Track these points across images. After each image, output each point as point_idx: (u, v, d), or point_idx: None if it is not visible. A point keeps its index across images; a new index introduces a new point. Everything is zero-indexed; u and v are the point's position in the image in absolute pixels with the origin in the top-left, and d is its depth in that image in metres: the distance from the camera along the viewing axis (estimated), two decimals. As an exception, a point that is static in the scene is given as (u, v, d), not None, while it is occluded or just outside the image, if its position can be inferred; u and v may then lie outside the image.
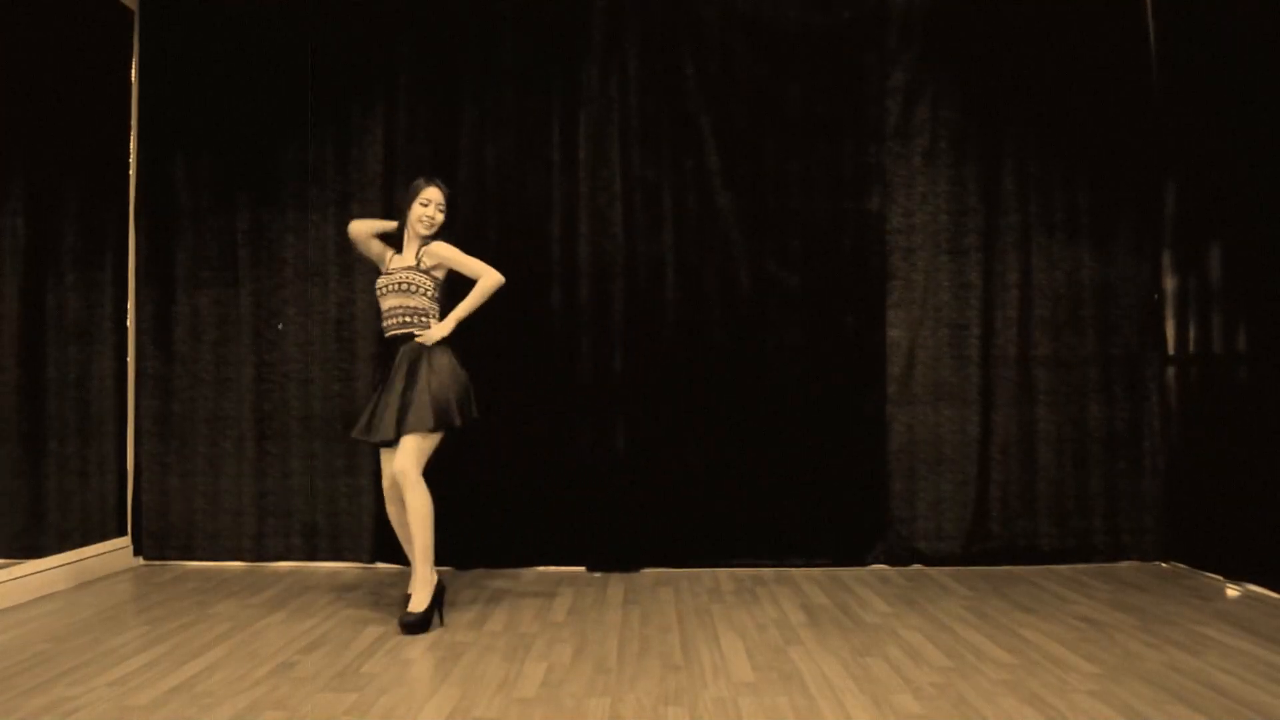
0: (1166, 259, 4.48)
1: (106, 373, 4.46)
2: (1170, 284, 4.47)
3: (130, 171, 4.60)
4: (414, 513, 3.41)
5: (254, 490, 4.53)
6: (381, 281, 3.62)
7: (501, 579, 4.22)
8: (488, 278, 3.60)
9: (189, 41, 4.58)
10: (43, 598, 3.86)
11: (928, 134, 4.50)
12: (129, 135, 4.59)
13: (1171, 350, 4.46)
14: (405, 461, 3.39)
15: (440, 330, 3.55)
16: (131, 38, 4.59)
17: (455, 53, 4.54)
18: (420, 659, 3.01)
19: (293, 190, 4.55)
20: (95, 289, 4.43)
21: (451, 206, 3.68)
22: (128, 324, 4.57)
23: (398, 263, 3.63)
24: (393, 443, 3.45)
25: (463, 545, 4.42)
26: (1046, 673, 2.83)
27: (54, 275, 4.20)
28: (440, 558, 4.40)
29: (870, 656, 3.01)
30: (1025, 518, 4.44)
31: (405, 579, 4.18)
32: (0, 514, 4.02)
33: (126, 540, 4.52)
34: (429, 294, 3.59)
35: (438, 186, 3.62)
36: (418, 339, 3.54)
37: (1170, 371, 4.47)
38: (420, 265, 3.59)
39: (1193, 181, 4.34)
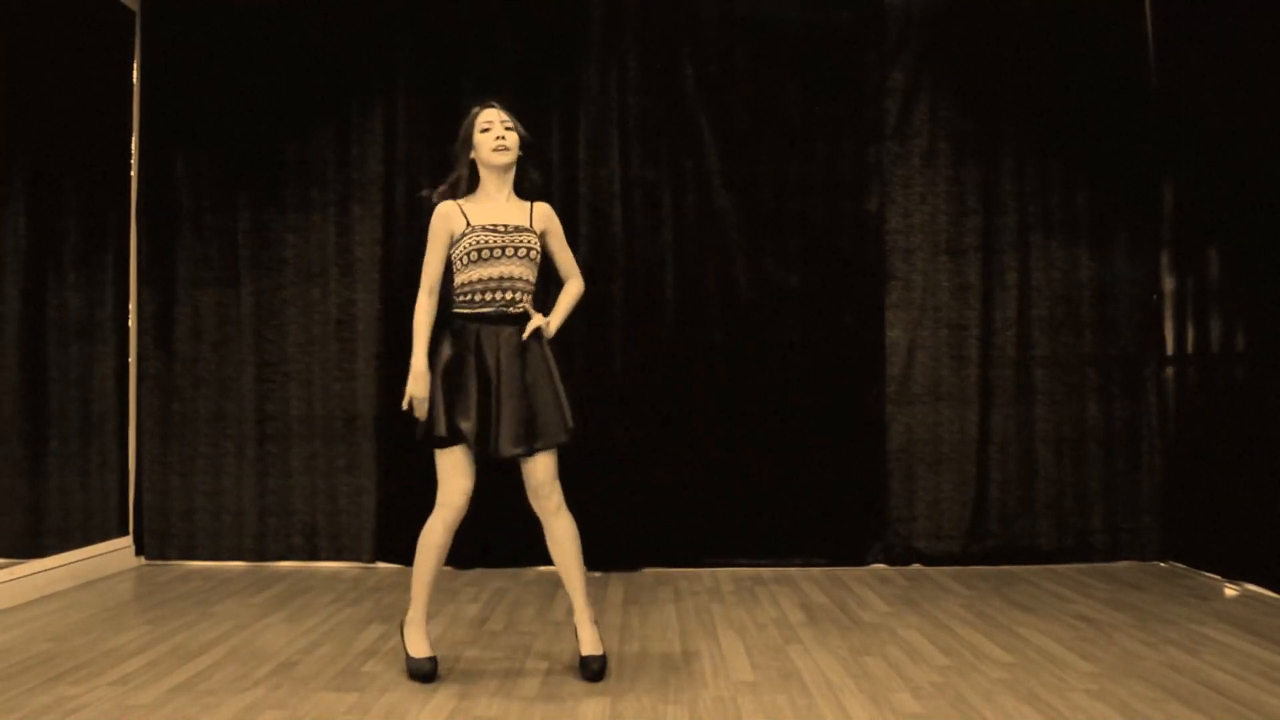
0: (1165, 259, 4.49)
1: (108, 372, 4.47)
2: (1168, 284, 4.48)
3: (132, 171, 4.61)
4: (573, 539, 2.86)
5: (255, 490, 4.53)
6: (490, 240, 2.77)
7: (502, 578, 4.23)
8: (578, 283, 3.00)
9: (190, 42, 4.58)
10: (44, 597, 3.87)
11: (926, 134, 4.51)
12: (130, 135, 4.60)
13: (1170, 350, 4.47)
14: (555, 480, 2.81)
15: (553, 327, 2.90)
16: (133, 38, 4.60)
17: (455, 53, 4.55)
18: (421, 658, 3.02)
19: (293, 190, 4.55)
20: (96, 288, 4.44)
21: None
22: (129, 324, 4.58)
23: (498, 216, 2.81)
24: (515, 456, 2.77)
25: (463, 545, 4.40)
26: (1045, 672, 2.84)
27: (55, 275, 4.20)
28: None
29: (869, 656, 3.02)
30: (1024, 517, 4.45)
31: (404, 578, 4.19)
32: (2, 514, 4.03)
33: (128, 540, 4.53)
34: (538, 264, 2.88)
35: (492, 106, 2.86)
36: (536, 326, 2.82)
37: (1168, 371, 4.48)
38: (534, 226, 2.86)
39: (1191, 182, 4.35)
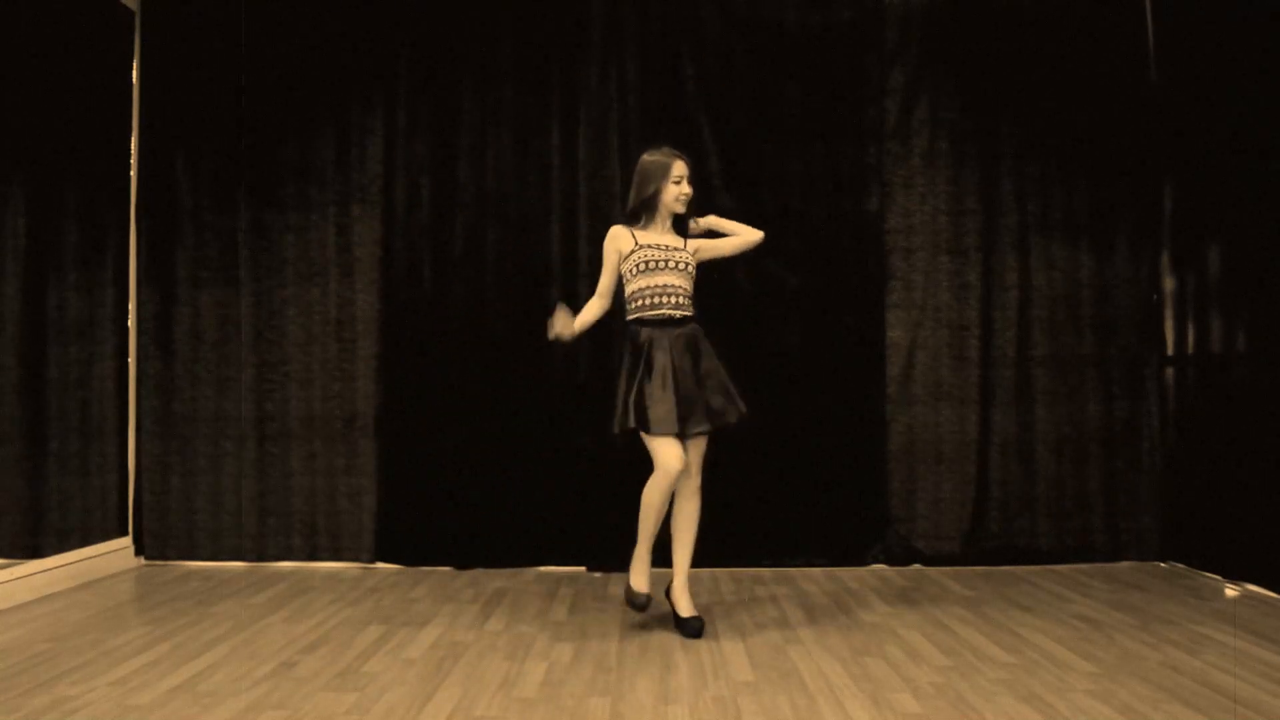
0: (1165, 259, 4.49)
1: (107, 373, 4.47)
2: (1169, 284, 4.48)
3: (131, 172, 4.61)
4: (695, 519, 3.37)
5: (255, 490, 4.53)
6: (654, 255, 3.33)
7: (502, 579, 4.23)
8: (751, 232, 3.56)
9: (190, 42, 4.59)
10: (44, 598, 3.87)
11: (926, 134, 4.51)
12: (130, 135, 4.60)
13: (1170, 351, 4.47)
14: (700, 463, 3.35)
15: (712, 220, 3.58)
16: (133, 38, 4.60)
17: (455, 53, 4.55)
18: (421, 659, 3.02)
19: (293, 190, 4.56)
20: (96, 289, 4.43)
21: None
22: (128, 324, 4.58)
23: (660, 239, 3.39)
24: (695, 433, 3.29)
25: (463, 545, 4.44)
26: (1045, 672, 2.84)
27: (55, 275, 4.20)
28: (441, 557, 4.46)
29: (869, 656, 3.02)
30: (1024, 517, 4.45)
31: (404, 579, 4.21)
32: (1, 514, 4.03)
33: (128, 540, 4.53)
34: (693, 278, 3.44)
35: (681, 158, 3.42)
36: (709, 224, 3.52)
37: (1169, 372, 4.48)
38: (688, 248, 3.44)
39: (1191, 182, 4.35)
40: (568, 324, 3.39)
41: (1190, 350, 4.34)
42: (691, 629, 3.27)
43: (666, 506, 3.31)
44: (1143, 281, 4.50)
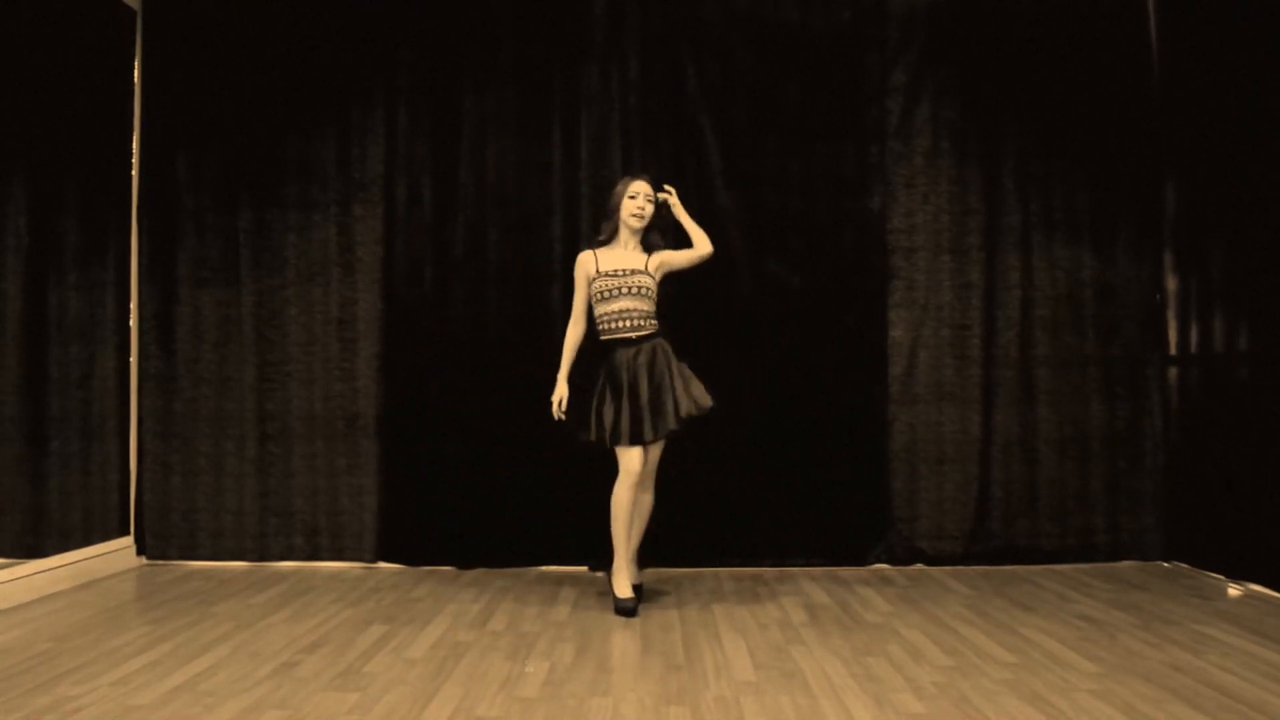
0: (1167, 259, 4.49)
1: (109, 372, 4.47)
2: (1171, 284, 4.47)
3: (133, 171, 4.61)
4: (648, 510, 3.81)
5: (256, 490, 4.53)
6: (611, 284, 3.70)
7: (503, 579, 4.23)
8: (704, 245, 3.88)
9: (191, 42, 4.59)
10: (45, 597, 3.87)
11: (929, 134, 4.50)
12: (131, 135, 4.59)
13: (1173, 350, 4.46)
14: (654, 464, 3.74)
15: (679, 209, 3.91)
16: (134, 38, 4.60)
17: (455, 53, 4.54)
18: (423, 659, 3.02)
19: (294, 190, 4.55)
20: (97, 288, 4.43)
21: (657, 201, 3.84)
22: (130, 323, 4.58)
23: (620, 263, 3.73)
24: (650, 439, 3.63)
25: (465, 545, 4.44)
26: (1048, 672, 2.84)
27: (56, 274, 4.20)
28: (443, 557, 4.46)
29: (872, 655, 3.02)
30: (1026, 517, 4.44)
31: (406, 579, 4.21)
32: (2, 514, 4.03)
33: (129, 540, 4.53)
34: (655, 298, 3.76)
35: (644, 180, 3.79)
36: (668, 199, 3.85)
37: (1171, 371, 4.47)
38: (649, 268, 3.76)
39: (1194, 181, 4.34)
40: (561, 389, 3.78)
41: (1193, 350, 4.33)
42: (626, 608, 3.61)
43: (634, 506, 3.68)
44: (1145, 281, 4.50)
